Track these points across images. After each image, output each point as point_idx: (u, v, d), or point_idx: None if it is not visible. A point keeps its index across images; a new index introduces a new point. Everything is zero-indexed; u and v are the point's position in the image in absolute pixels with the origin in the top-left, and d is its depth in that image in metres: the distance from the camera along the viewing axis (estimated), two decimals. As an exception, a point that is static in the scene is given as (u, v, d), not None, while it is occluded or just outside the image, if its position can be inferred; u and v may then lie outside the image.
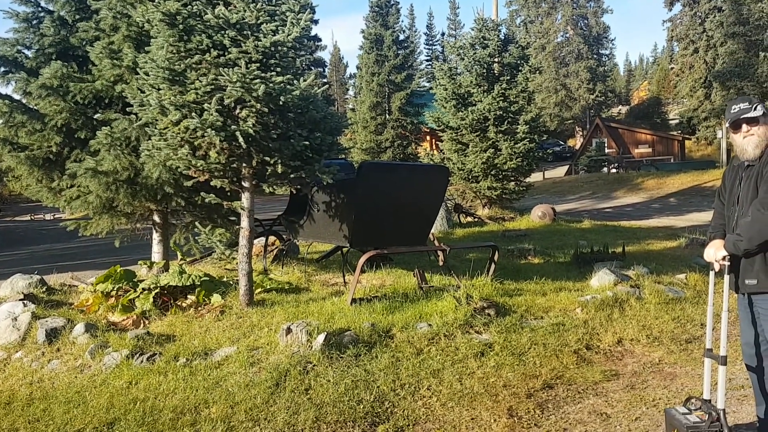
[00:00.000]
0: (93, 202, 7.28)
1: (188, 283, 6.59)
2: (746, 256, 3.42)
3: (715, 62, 43.60)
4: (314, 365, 4.81)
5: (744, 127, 3.48)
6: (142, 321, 6.25)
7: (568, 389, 4.71)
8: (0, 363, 5.62)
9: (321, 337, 5.10)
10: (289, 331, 5.27)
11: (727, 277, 3.49)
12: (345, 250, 8.22)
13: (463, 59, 19.07)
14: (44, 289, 7.48)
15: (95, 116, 7.23)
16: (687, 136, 46.95)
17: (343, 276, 7.61)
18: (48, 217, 36.50)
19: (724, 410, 3.37)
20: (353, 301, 6.23)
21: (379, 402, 4.38)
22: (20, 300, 6.64)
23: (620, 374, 5.04)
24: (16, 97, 7.74)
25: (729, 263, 3.46)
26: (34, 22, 7.84)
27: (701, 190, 26.28)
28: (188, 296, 6.63)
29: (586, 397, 4.58)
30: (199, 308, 6.39)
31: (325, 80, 40.28)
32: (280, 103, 5.58)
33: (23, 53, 7.86)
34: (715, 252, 3.52)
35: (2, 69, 7.70)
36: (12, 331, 6.06)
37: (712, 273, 3.63)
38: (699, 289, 7.42)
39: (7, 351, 5.82)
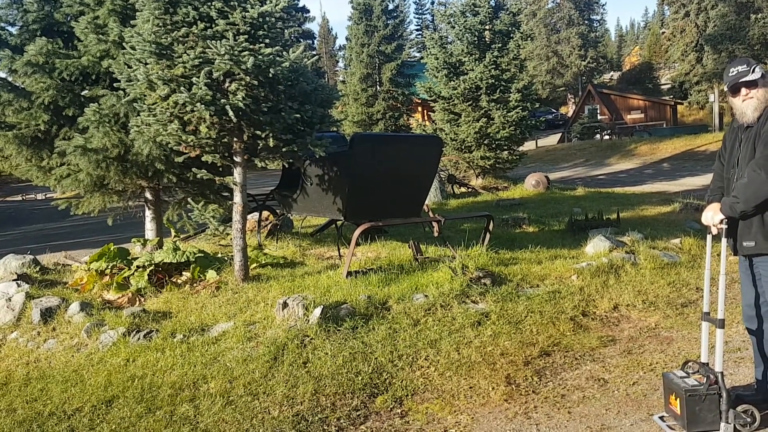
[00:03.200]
0: (83, 180, 7.20)
1: (183, 260, 6.56)
2: (743, 218, 3.41)
3: (707, 25, 43.33)
4: (311, 339, 4.81)
5: (743, 90, 3.45)
6: (137, 298, 6.23)
7: (566, 356, 4.73)
8: (-4, 344, 5.61)
9: (317, 311, 5.10)
10: (285, 305, 5.26)
11: (724, 240, 3.48)
12: (339, 223, 8.18)
13: (454, 27, 18.86)
14: (38, 269, 7.44)
15: (83, 93, 7.13)
16: (679, 101, 46.86)
17: (338, 249, 7.60)
18: (40, 196, 36.28)
19: (722, 373, 3.38)
20: (349, 274, 6.22)
21: (377, 373, 4.39)
22: (14, 280, 6.61)
23: (617, 340, 5.06)
24: (2, 75, 7.61)
25: (726, 226, 3.45)
26: (18, -3, 7.68)
27: (694, 155, 26.31)
28: (183, 273, 6.60)
29: (583, 363, 4.60)
30: (195, 284, 6.37)
31: (314, 52, 39.87)
32: (270, 75, 5.50)
33: (7, 30, 7.71)
34: (712, 215, 3.50)
35: (-15, 47, 7.55)
36: (6, 312, 6.04)
37: (709, 236, 3.62)
38: (694, 254, 7.45)
39: (2, 332, 5.80)
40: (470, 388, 4.20)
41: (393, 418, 3.88)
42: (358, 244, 7.25)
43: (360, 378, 4.30)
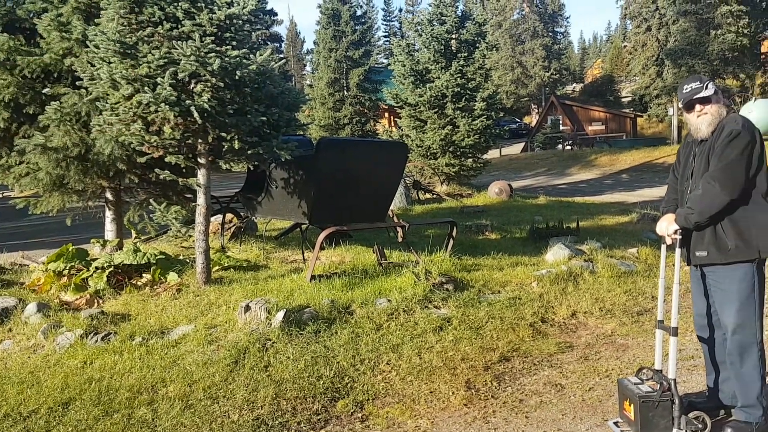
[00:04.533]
0: (43, 179, 7.06)
1: (143, 262, 6.48)
2: (697, 229, 3.51)
3: (668, 40, 44.47)
4: (273, 342, 4.80)
5: (697, 106, 3.55)
6: (96, 300, 6.14)
7: (524, 361, 4.81)
8: (-52, 345, 5.46)
9: (280, 315, 5.09)
10: (247, 308, 5.24)
11: (678, 251, 3.59)
12: (304, 227, 8.18)
13: (421, 35, 19.02)
14: (-8, 269, 7.28)
15: (44, 91, 6.98)
16: (639, 113, 47.90)
17: (303, 253, 7.59)
18: (-5, 195, 35.37)
19: (675, 380, 3.48)
20: (313, 277, 6.22)
21: (339, 377, 4.40)
22: (-33, 280, 6.46)
23: (574, 346, 5.17)
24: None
25: (681, 236, 3.56)
26: (-23, -7, 7.51)
27: (652, 167, 26.89)
28: (143, 275, 6.52)
29: (541, 369, 4.68)
30: (155, 287, 6.30)
31: (281, 55, 39.68)
32: (236, 77, 5.48)
33: (-34, 26, 7.52)
34: (667, 226, 3.61)
35: (-56, 42, 7.35)
36: (-41, 313, 5.88)
37: (663, 246, 3.73)
38: (650, 263, 7.63)
39: (-45, 333, 5.65)
40: (431, 392, 4.25)
41: (354, 423, 3.90)
42: (322, 248, 7.26)
43: (321, 382, 4.31)
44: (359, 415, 3.99)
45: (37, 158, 6.85)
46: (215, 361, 4.57)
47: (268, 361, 4.57)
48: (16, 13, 7.41)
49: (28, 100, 7.13)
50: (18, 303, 5.83)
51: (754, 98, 28.15)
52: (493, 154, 30.86)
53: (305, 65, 66.53)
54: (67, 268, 6.57)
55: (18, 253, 8.57)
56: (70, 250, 6.73)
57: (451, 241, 7.27)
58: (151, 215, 7.54)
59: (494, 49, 21.86)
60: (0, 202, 29.58)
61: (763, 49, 42.92)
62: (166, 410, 3.95)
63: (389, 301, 5.59)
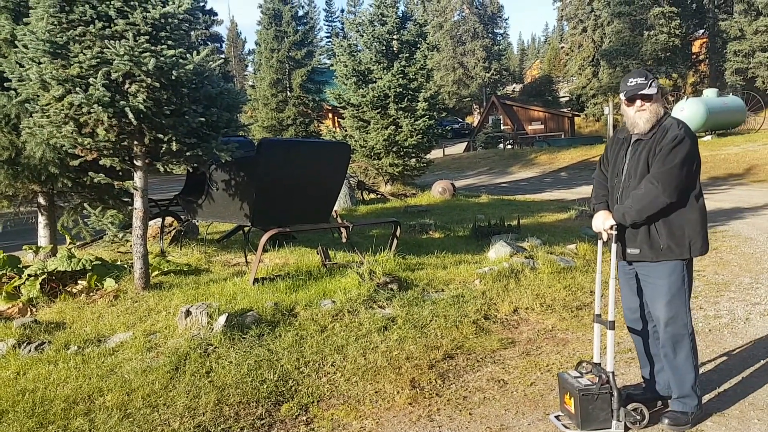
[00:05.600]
0: (-30, 184, 6.76)
1: (78, 268, 6.27)
2: (633, 226, 3.60)
3: (603, 41, 45.76)
4: (215, 347, 4.72)
5: (638, 102, 3.61)
6: (28, 309, 5.90)
7: (468, 358, 4.85)
8: None
9: (222, 319, 5.00)
10: (188, 313, 5.13)
11: (614, 246, 3.67)
12: (246, 229, 8.07)
13: (363, 36, 19.03)
14: None
15: (-31, 92, 6.68)
16: (576, 113, 49.13)
17: (245, 256, 7.48)
18: None
19: (613, 372, 3.57)
20: (255, 280, 6.14)
21: (283, 381, 4.35)
22: None
23: (516, 342, 5.25)
24: None
25: (616, 232, 3.64)
26: None
27: (589, 164, 27.58)
28: (79, 281, 6.32)
29: (484, 365, 4.73)
30: (91, 294, 6.11)
31: (222, 56, 39.07)
32: (173, 77, 5.36)
33: None
34: (603, 221, 3.69)
35: None
36: None
37: (600, 242, 3.82)
38: (588, 258, 7.82)
39: None
40: (376, 392, 4.24)
41: (298, 426, 3.86)
42: (265, 250, 7.18)
43: (265, 386, 4.25)
44: (304, 418, 3.96)
45: (-37, 162, 6.55)
46: (155, 368, 4.46)
47: (210, 367, 4.49)
48: (-63, 11, 7.06)
49: (-46, 102, 6.80)
50: (-56, 314, 5.57)
51: (686, 97, 29.23)
52: (436, 153, 31.13)
53: (247, 66, 65.70)
54: (-2, 276, 6.31)
55: (-56, 261, 8.16)
56: (1, 257, 6.47)
57: (395, 241, 7.29)
58: (86, 220, 7.32)
59: (435, 49, 22.04)
60: (-75, 208, 28.26)
61: (694, 49, 44.68)
62: (104, 420, 3.83)
63: (334, 302, 5.57)
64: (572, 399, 3.58)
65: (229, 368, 4.45)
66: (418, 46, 19.15)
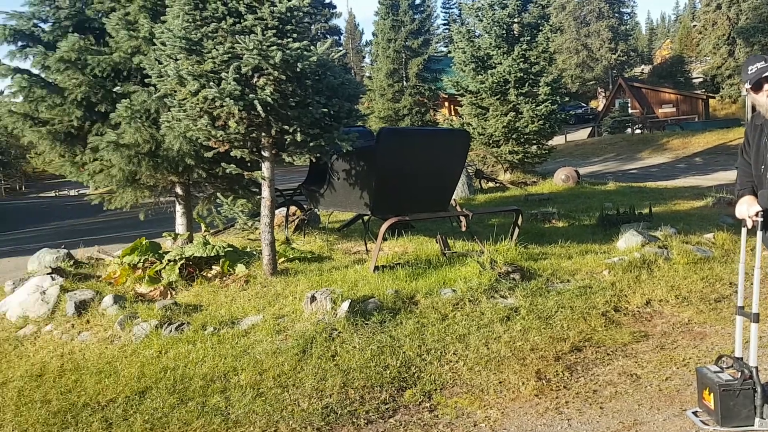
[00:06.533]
0: (116, 175, 7.31)
1: (212, 254, 6.61)
2: None
3: (739, 18, 42.53)
4: (339, 332, 4.82)
5: (766, 86, 3.36)
6: (168, 292, 6.30)
7: (597, 351, 4.67)
8: (30, 336, 5.71)
9: (345, 305, 5.11)
10: (313, 299, 5.28)
11: (759, 233, 3.41)
12: (366, 218, 8.19)
13: (482, 21, 18.73)
14: (72, 263, 7.56)
15: (114, 89, 7.21)
16: (711, 94, 46.01)
17: (365, 244, 7.60)
18: (72, 192, 36.94)
19: (756, 368, 3.33)
20: (376, 268, 6.22)
21: (406, 367, 4.38)
22: (48, 274, 6.71)
23: (649, 335, 4.99)
24: (35, 71, 7.72)
25: (762, 219, 3.38)
26: (50, -6, 7.80)
27: (727, 149, 25.81)
28: (213, 267, 6.65)
29: (615, 359, 4.54)
30: (224, 278, 6.42)
31: (340, 48, 39.91)
32: (298, 69, 5.51)
33: (39, 27, 7.81)
34: (747, 208, 3.43)
35: (20, 43, 7.66)
36: (41, 305, 6.14)
37: (744, 230, 3.55)
38: (727, 248, 7.30)
39: (37, 324, 5.90)
40: (500, 382, 4.18)
41: (422, 412, 3.87)
42: (385, 238, 7.25)
43: (388, 372, 4.30)
44: (427, 404, 3.96)
45: (110, 155, 7.08)
46: (284, 350, 4.62)
47: (335, 351, 4.59)
48: (85, 14, 7.67)
49: (100, 99, 7.37)
50: (95, 295, 6.04)
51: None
52: (558, 140, 30.24)
53: (364, 57, 66.71)
54: (141, 261, 6.77)
55: (94, 247, 8.87)
56: (143, 243, 6.93)
57: (517, 230, 7.14)
58: (218, 209, 7.72)
59: (558, 31, 21.38)
60: (75, 198, 30.94)
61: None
62: (239, 398, 4.02)
63: (454, 291, 5.53)
64: (712, 395, 3.37)
65: (353, 353, 4.53)
66: (540, 28, 18.62)
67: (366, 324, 4.94)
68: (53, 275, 6.67)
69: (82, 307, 5.88)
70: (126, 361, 4.78)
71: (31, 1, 7.72)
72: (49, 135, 7.67)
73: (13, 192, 45.38)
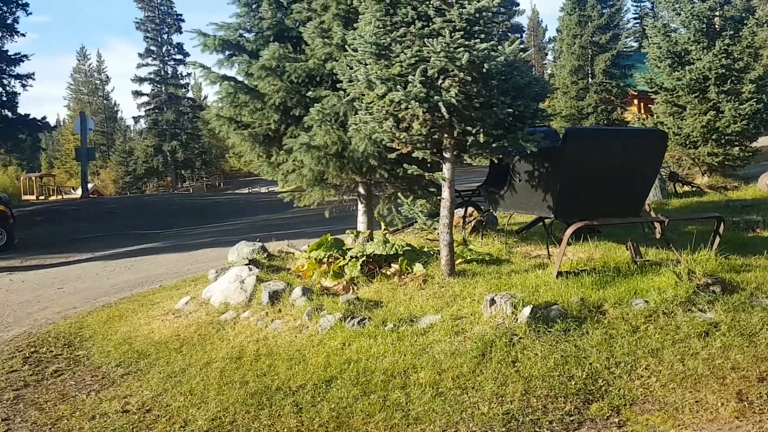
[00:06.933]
0: (306, 175, 7.75)
1: (392, 252, 6.77)
2: None
3: None
4: (520, 338, 4.73)
5: None
6: (351, 287, 6.55)
7: (812, 378, 4.16)
8: (230, 321, 6.23)
9: (527, 310, 4.99)
10: (493, 302, 5.22)
11: None
12: (548, 221, 7.96)
13: (679, 14, 17.44)
14: (265, 255, 8.14)
15: (308, 94, 7.64)
16: None
17: (547, 248, 7.38)
18: (263, 190, 39.89)
19: None
20: (559, 274, 6.01)
21: (592, 379, 4.19)
22: (246, 265, 7.28)
23: None
24: (239, 78, 8.40)
25: None
26: (254, 6, 8.42)
27: None
28: (392, 265, 6.81)
29: (833, 387, 4.02)
30: (403, 277, 6.55)
31: (522, 46, 39.34)
32: (483, 70, 5.47)
33: (244, 37, 8.48)
34: None
35: (227, 52, 8.37)
36: (240, 293, 6.68)
37: None
38: None
39: (236, 310, 6.42)
40: (696, 402, 3.86)
41: (610, 427, 3.69)
42: (568, 243, 6.99)
43: (573, 382, 4.14)
44: (616, 420, 3.76)
45: (302, 156, 7.52)
46: (462, 352, 4.62)
47: (516, 357, 4.51)
48: (284, 23, 8.20)
49: (295, 103, 7.85)
50: (286, 287, 6.45)
51: None
52: (763, 141, 27.37)
53: (546, 54, 65.06)
54: (326, 256, 7.11)
55: (284, 241, 9.50)
56: (328, 240, 7.28)
57: (718, 238, 6.55)
58: (398, 208, 7.90)
59: (765, 25, 19.41)
60: (266, 196, 33.31)
61: None
62: (418, 396, 4.09)
63: (646, 302, 5.19)
64: None
65: (534, 360, 4.43)
66: (745, 22, 17.00)
67: (548, 331, 4.80)
68: (250, 266, 7.22)
69: (274, 297, 6.30)
70: (313, 351, 5.05)
71: (238, 12, 8.41)
72: (249, 137, 8.31)
73: (213, 188, 49.95)
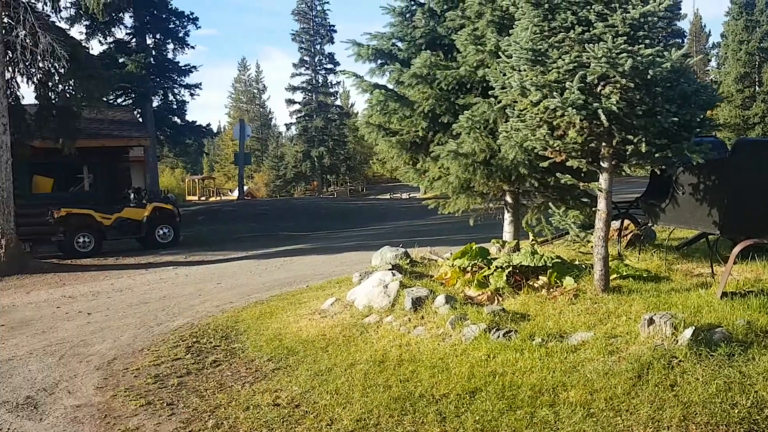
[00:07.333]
0: (453, 182, 7.75)
1: (540, 264, 6.60)
2: None
3: None
4: (680, 361, 4.43)
5: None
6: (495, 297, 6.44)
7: None
8: (374, 324, 6.33)
9: (688, 332, 4.66)
10: (651, 321, 4.92)
11: None
12: (712, 237, 7.41)
13: None
14: (408, 261, 8.23)
15: (457, 101, 7.64)
16: None
17: (711, 266, 6.87)
18: (404, 196, 40.45)
19: None
20: (724, 294, 5.57)
21: (757, 408, 3.85)
22: (389, 270, 7.38)
23: None
24: (390, 86, 8.56)
25: None
26: (407, 15, 8.58)
27: None
28: (540, 277, 6.63)
29: None
30: (551, 290, 6.35)
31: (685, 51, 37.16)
32: (648, 77, 5.20)
33: (396, 45, 8.64)
34: None
35: (379, 61, 8.57)
36: (383, 297, 6.77)
37: None
38: None
39: (379, 314, 6.52)
40: None
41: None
42: (734, 262, 6.47)
43: (736, 411, 3.82)
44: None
45: (449, 163, 7.52)
46: (616, 372, 4.40)
47: (674, 380, 4.23)
48: (437, 31, 8.27)
49: (444, 110, 7.88)
50: (429, 294, 6.45)
51: None
52: None
53: (709, 61, 60.90)
54: (471, 265, 7.06)
55: (426, 248, 9.54)
56: (473, 248, 7.22)
57: None
58: (549, 219, 7.69)
59: None
60: (407, 202, 33.73)
61: None
62: (568, 415, 3.93)
63: (825, 329, 4.69)
64: None
65: (695, 385, 4.13)
66: None
67: (711, 355, 4.45)
68: (393, 271, 7.32)
69: (417, 303, 6.33)
70: (456, 360, 5.00)
71: (392, 22, 8.59)
72: (397, 144, 8.44)
73: (356, 193, 51.39)
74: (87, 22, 24.85)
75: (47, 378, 5.72)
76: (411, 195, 38.83)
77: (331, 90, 56.80)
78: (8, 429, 4.61)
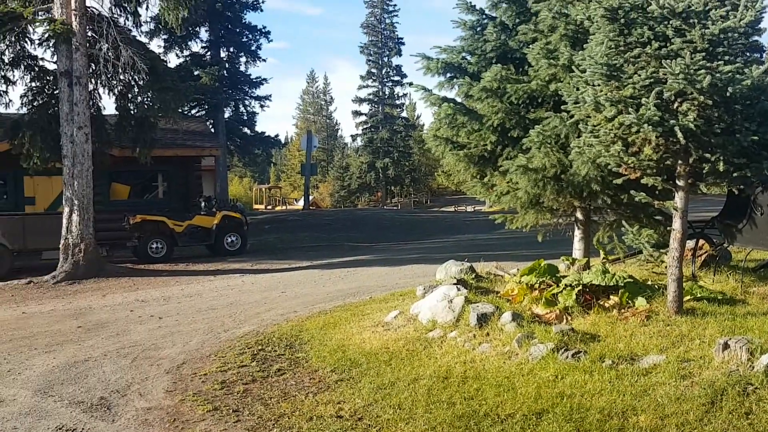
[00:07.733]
0: (521, 197, 7.66)
1: (611, 283, 6.43)
2: None
3: None
4: (756, 388, 4.26)
5: None
6: (564, 316, 6.31)
7: None
8: (437, 339, 6.30)
9: (765, 358, 4.49)
10: (726, 346, 4.75)
11: None
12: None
13: None
14: (473, 276, 8.15)
15: (528, 115, 7.57)
16: None
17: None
18: (469, 209, 40.21)
19: None
20: (805, 320, 5.32)
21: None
22: (454, 284, 7.33)
23: None
24: (458, 99, 8.56)
25: None
26: (478, 29, 8.57)
27: None
28: (611, 297, 6.46)
29: None
30: (622, 310, 6.18)
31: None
32: (727, 94, 5.04)
33: (466, 59, 8.64)
34: None
35: (448, 74, 8.58)
36: (447, 312, 6.73)
37: None
38: None
39: (443, 329, 6.48)
40: None
41: None
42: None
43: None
44: None
45: (518, 178, 7.45)
46: (689, 397, 4.26)
47: (749, 408, 4.08)
48: (508, 45, 8.23)
49: (513, 125, 7.82)
50: (495, 310, 6.37)
51: None
52: None
53: (789, 76, 58.27)
54: (539, 282, 6.93)
55: (492, 263, 9.43)
56: (542, 265, 7.09)
57: None
58: (621, 237, 7.49)
59: None
60: (472, 215, 33.51)
61: None
62: (638, 441, 3.82)
63: None
64: None
65: (772, 414, 3.95)
66: None
67: (790, 384, 4.25)
68: (458, 286, 7.26)
69: (483, 319, 6.26)
70: (523, 379, 4.93)
71: (462, 36, 8.61)
72: (465, 158, 8.41)
73: (420, 205, 51.41)
74: (165, 36, 25.87)
75: (120, 380, 5.93)
76: (476, 208, 38.57)
77: (398, 102, 57.20)
78: (82, 429, 4.79)
